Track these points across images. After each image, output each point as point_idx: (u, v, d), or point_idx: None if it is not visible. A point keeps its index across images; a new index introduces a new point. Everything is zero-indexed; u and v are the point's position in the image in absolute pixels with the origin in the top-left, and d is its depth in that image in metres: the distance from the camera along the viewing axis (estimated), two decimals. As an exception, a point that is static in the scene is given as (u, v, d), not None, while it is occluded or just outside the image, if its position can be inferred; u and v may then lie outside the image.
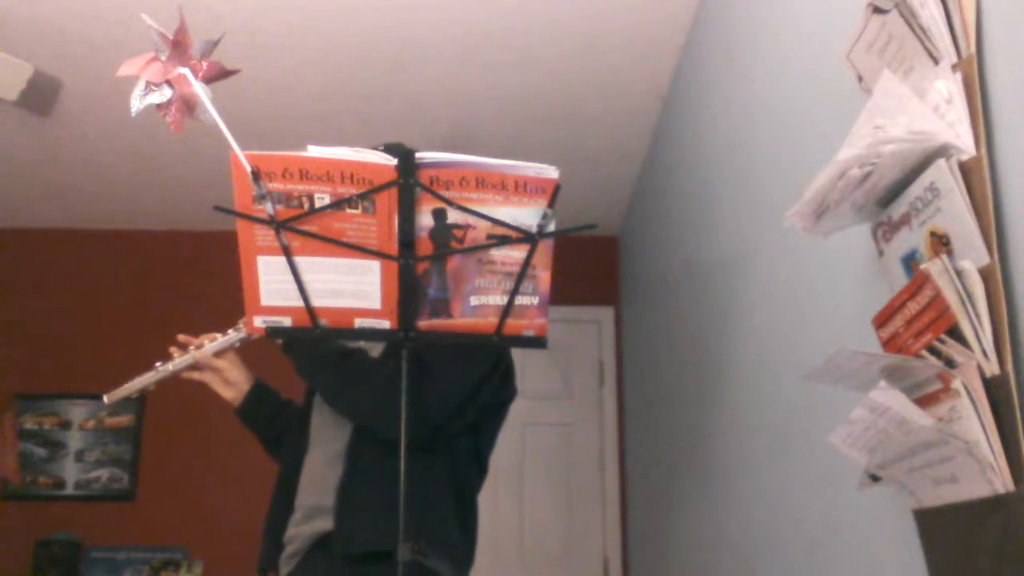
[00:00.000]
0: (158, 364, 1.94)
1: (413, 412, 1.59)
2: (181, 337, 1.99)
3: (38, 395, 4.26)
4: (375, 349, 1.87)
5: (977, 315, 1.01)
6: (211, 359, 1.95)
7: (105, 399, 1.95)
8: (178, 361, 1.94)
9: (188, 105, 1.43)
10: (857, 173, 1.14)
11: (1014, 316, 1.01)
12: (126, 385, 1.94)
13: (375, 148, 1.65)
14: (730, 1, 2.37)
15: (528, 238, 1.43)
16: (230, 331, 1.96)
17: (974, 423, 0.98)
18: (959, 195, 1.03)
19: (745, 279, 2.18)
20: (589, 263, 4.33)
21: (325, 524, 1.75)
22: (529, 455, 4.21)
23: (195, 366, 1.96)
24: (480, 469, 1.92)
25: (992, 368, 0.99)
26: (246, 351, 2.01)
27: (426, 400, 1.70)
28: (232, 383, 1.99)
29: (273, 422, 2.03)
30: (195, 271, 4.33)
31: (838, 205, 1.21)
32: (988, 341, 1.00)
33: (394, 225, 1.42)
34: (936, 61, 1.10)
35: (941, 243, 1.07)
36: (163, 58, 1.42)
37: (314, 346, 1.83)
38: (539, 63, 3.04)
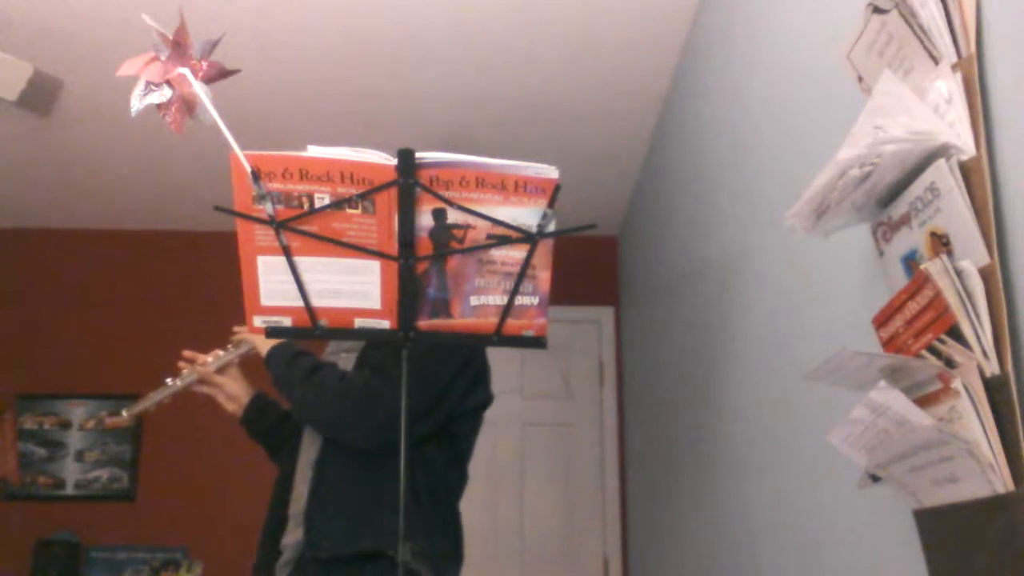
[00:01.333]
0: (168, 380, 2.04)
1: (375, 418, 1.62)
2: (187, 353, 2.07)
3: (38, 395, 4.26)
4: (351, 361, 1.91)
5: (977, 315, 1.01)
6: (212, 375, 2.04)
7: (124, 413, 2.07)
8: (185, 375, 2.05)
9: (188, 105, 1.43)
10: (857, 173, 1.14)
11: (1014, 316, 1.01)
12: (143, 400, 2.05)
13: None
14: (730, 1, 2.37)
15: (528, 238, 1.43)
16: (229, 347, 2.06)
17: (974, 423, 0.98)
18: (959, 195, 1.03)
19: (745, 279, 2.18)
20: (589, 263, 4.32)
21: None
22: (529, 455, 4.20)
23: (201, 381, 2.05)
24: (459, 475, 1.94)
25: (992, 368, 0.99)
26: (252, 363, 2.07)
27: (387, 405, 1.72)
28: (233, 397, 2.07)
29: (274, 432, 2.09)
30: (195, 271, 4.33)
31: (838, 205, 1.21)
32: (988, 341, 1.00)
33: (394, 225, 1.42)
34: (936, 61, 1.10)
35: (941, 243, 1.07)
36: (163, 58, 1.42)
37: (288, 360, 1.89)
38: (539, 63, 3.04)
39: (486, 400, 1.96)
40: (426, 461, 1.83)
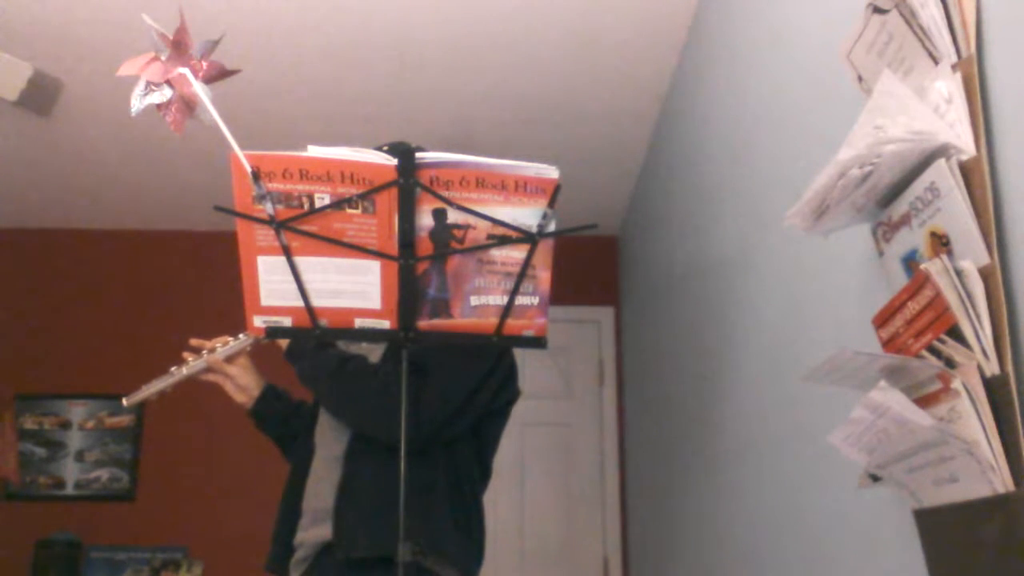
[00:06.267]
0: (172, 368, 1.97)
1: (411, 417, 1.59)
2: (193, 341, 2.00)
3: (38, 395, 4.26)
4: (375, 353, 1.87)
5: (977, 315, 1.01)
6: (222, 364, 1.98)
7: (124, 402, 1.99)
8: (192, 365, 1.97)
9: (188, 105, 1.43)
10: (857, 173, 1.14)
11: (1014, 316, 1.01)
12: (144, 388, 1.97)
13: (379, 148, 1.64)
14: (730, 1, 2.37)
15: (528, 238, 1.43)
16: (241, 335, 1.97)
17: (974, 423, 0.98)
18: (959, 195, 1.03)
19: (745, 279, 2.18)
20: (589, 263, 4.33)
21: (329, 531, 1.74)
22: (529, 455, 4.20)
23: (208, 369, 1.98)
24: (482, 472, 1.91)
25: (992, 368, 0.99)
26: (259, 352, 2.01)
27: (424, 404, 1.71)
28: (243, 388, 2.01)
29: (285, 425, 2.04)
30: (195, 271, 4.33)
31: (838, 205, 1.21)
32: (988, 341, 1.00)
33: (394, 225, 1.42)
34: (936, 61, 1.10)
35: (941, 243, 1.07)
36: (163, 58, 1.42)
37: (314, 353, 1.83)
38: (539, 63, 3.04)
39: (515, 396, 1.93)
40: (456, 459, 1.80)
